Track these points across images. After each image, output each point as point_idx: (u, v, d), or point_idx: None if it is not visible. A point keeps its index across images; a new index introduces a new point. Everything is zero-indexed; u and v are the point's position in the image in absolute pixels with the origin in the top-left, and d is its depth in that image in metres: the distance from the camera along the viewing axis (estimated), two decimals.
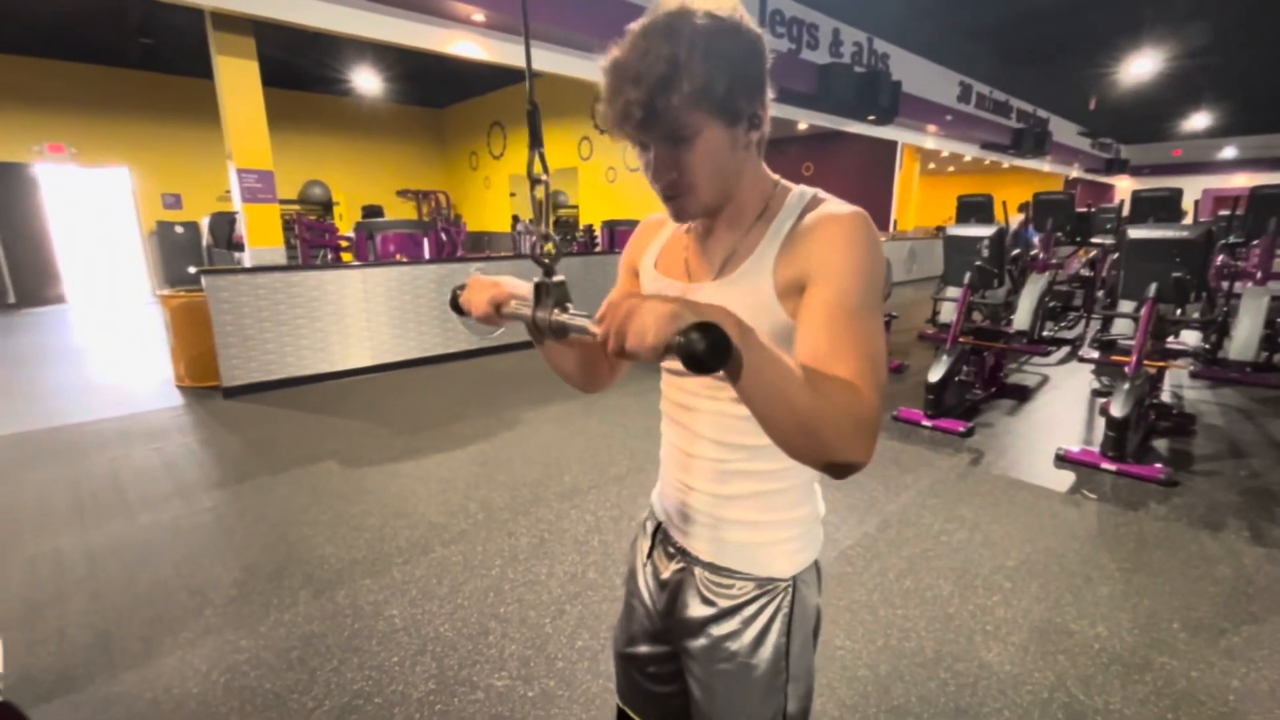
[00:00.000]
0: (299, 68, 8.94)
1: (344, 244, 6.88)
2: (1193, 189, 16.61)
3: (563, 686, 1.70)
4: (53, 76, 8.59)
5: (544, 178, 0.65)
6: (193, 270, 4.94)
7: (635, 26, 0.63)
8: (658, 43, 0.60)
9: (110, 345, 6.36)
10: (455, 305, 0.74)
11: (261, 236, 4.97)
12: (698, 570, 0.79)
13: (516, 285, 0.69)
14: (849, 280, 0.61)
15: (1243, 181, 15.39)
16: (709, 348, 0.46)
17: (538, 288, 0.63)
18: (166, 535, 2.52)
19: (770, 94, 0.66)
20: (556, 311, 0.62)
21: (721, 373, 0.49)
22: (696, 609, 0.79)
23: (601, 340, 0.52)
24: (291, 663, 1.79)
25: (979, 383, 4.38)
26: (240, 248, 5.58)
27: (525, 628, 1.94)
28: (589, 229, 8.49)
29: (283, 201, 6.56)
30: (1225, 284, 5.11)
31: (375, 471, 3.15)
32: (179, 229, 9.64)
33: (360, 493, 2.90)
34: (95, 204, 9.48)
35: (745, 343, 0.50)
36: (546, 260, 0.65)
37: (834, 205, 0.67)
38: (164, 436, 3.66)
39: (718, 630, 0.77)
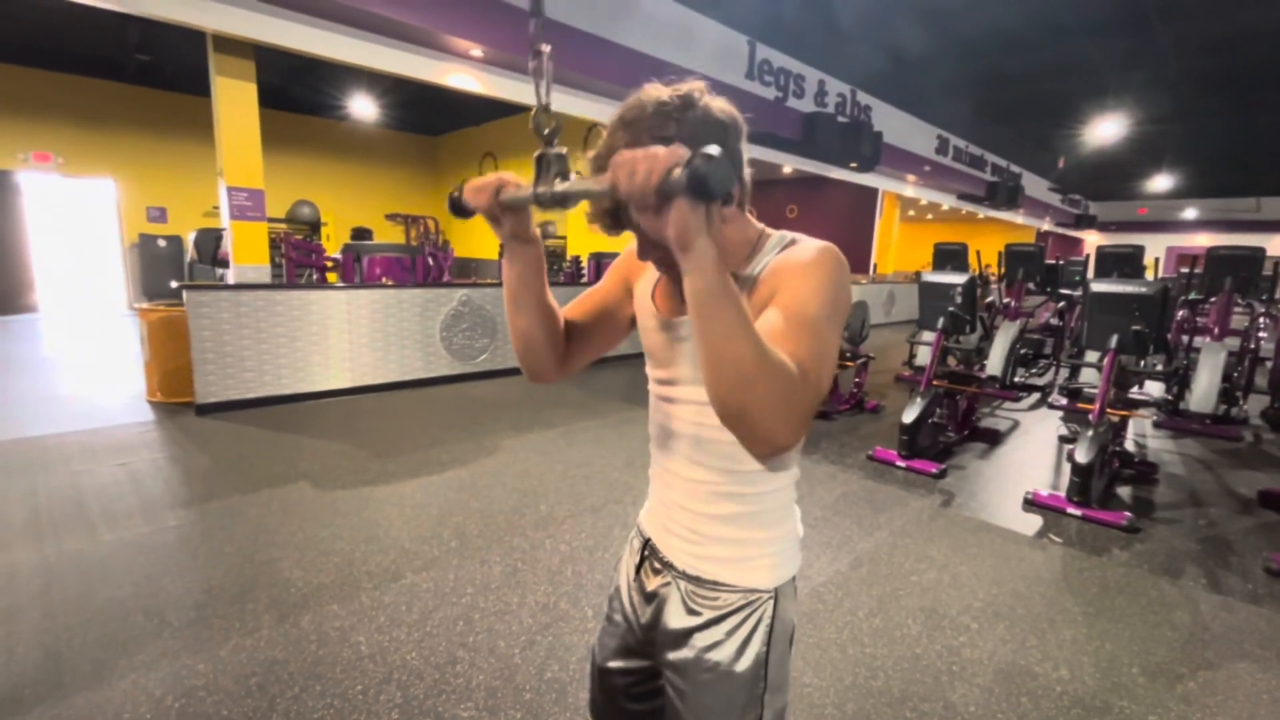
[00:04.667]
0: (295, 90, 9.06)
1: (330, 265, 6.87)
2: (1156, 246, 17.33)
3: (530, 718, 1.67)
4: (45, 86, 8.59)
5: (544, 49, 0.66)
6: (175, 284, 4.89)
7: (618, 121, 0.67)
8: (637, 137, 0.64)
9: (81, 357, 6.23)
10: (457, 206, 0.73)
11: (248, 254, 4.96)
12: (683, 583, 0.82)
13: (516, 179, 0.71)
14: (809, 297, 0.65)
15: (1204, 240, 16.15)
16: (714, 170, 0.48)
17: (539, 160, 0.63)
18: (128, 553, 2.45)
19: (746, 160, 0.71)
20: (558, 181, 0.62)
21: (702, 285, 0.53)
22: (680, 619, 0.81)
23: (612, 185, 0.53)
24: (250, 689, 1.75)
25: (952, 425, 4.47)
26: (225, 264, 5.56)
27: (494, 658, 1.92)
28: (575, 260, 8.59)
29: (271, 220, 6.56)
30: (1186, 338, 5.33)
31: (348, 495, 3.10)
32: (162, 242, 9.56)
33: (332, 516, 2.86)
34: (77, 214, 9.39)
35: (721, 272, 0.54)
36: (546, 131, 0.65)
37: (806, 241, 0.73)
38: (131, 452, 3.58)
39: (701, 640, 0.79)
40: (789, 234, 0.76)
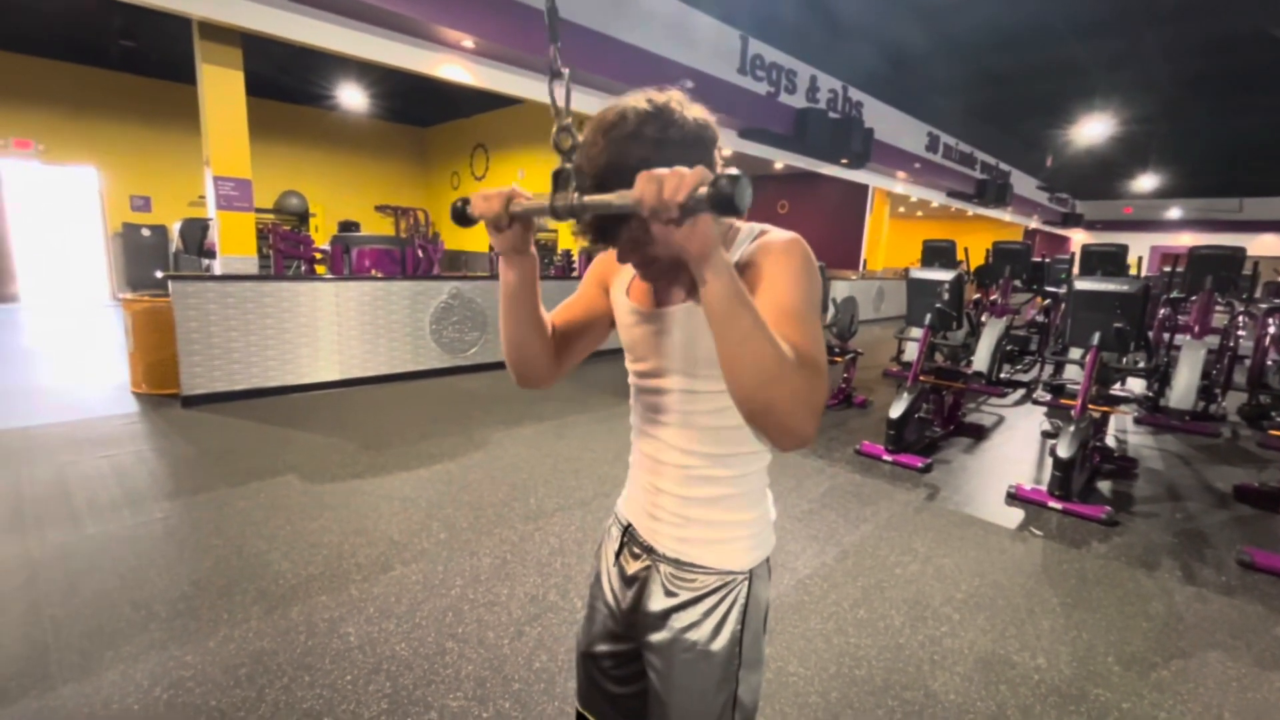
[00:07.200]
0: (283, 79, 8.94)
1: (318, 256, 6.82)
2: (1141, 245, 17.58)
3: (518, 708, 1.69)
4: (25, 71, 8.43)
5: (564, 71, 0.69)
6: (160, 275, 4.84)
7: (598, 128, 0.69)
8: (621, 148, 0.66)
9: (63, 347, 6.15)
10: (461, 215, 0.74)
11: (234, 245, 4.92)
12: (663, 566, 0.86)
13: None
14: (789, 289, 0.68)
15: (1187, 240, 16.36)
16: (739, 190, 0.53)
17: (557, 175, 0.66)
18: (113, 546, 2.44)
19: (720, 159, 0.73)
20: (577, 195, 0.64)
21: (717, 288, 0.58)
22: (659, 601, 0.85)
23: (639, 198, 0.57)
24: (239, 680, 1.75)
25: (938, 420, 4.52)
26: (211, 255, 5.51)
27: (483, 648, 1.93)
28: (566, 254, 8.59)
29: (258, 210, 6.50)
30: (1166, 336, 5.42)
31: (337, 487, 3.10)
32: (146, 232, 9.43)
33: (320, 508, 2.85)
34: (59, 202, 9.23)
35: (736, 278, 0.58)
36: (566, 148, 0.68)
37: (775, 233, 0.75)
38: (116, 444, 3.55)
39: (679, 621, 0.83)
40: (757, 226, 0.79)
